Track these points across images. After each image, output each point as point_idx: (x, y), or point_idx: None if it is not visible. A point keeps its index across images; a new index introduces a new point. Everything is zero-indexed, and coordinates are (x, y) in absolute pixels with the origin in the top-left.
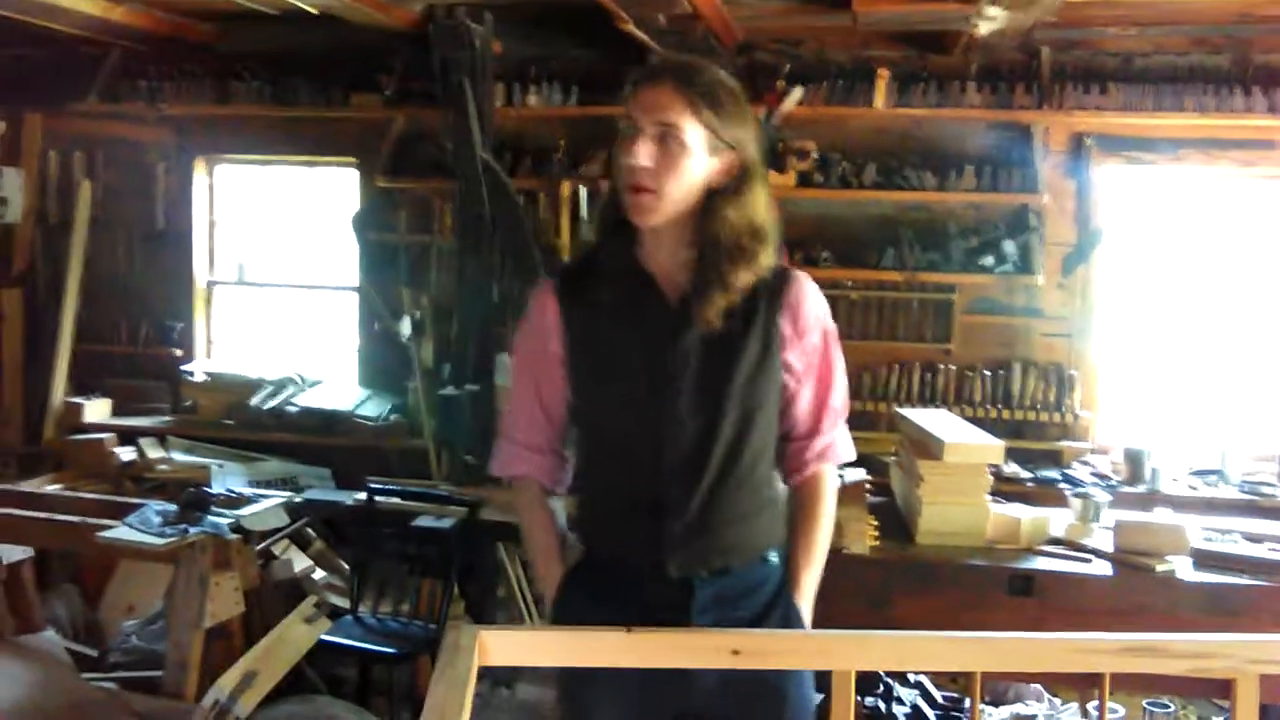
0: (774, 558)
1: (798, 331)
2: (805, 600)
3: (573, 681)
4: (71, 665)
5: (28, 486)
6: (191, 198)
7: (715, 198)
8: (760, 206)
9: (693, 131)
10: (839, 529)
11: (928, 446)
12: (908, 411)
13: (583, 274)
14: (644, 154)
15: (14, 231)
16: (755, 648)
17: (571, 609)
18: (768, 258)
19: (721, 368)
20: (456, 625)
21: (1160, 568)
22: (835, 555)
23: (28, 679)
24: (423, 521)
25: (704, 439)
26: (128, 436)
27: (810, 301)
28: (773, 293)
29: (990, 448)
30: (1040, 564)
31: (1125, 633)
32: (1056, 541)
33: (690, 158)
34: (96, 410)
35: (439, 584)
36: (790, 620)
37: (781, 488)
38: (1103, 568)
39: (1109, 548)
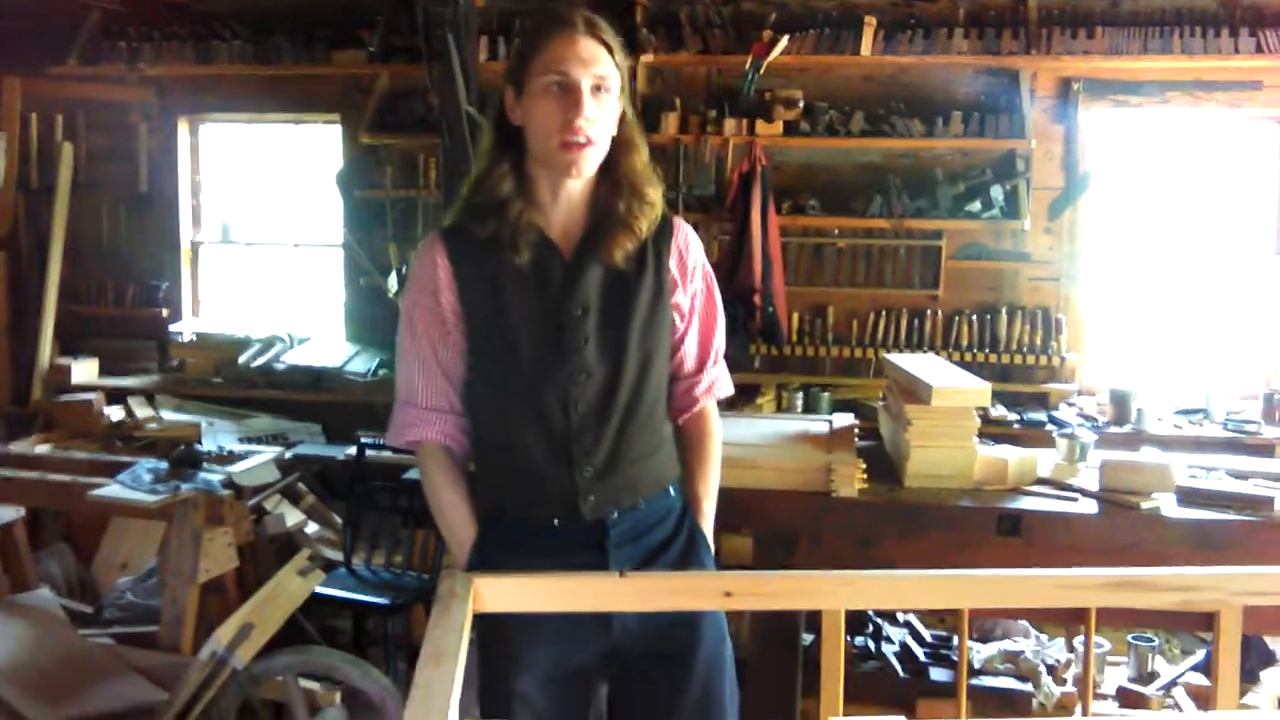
0: (673, 490)
1: (684, 275)
2: (708, 524)
3: (492, 630)
4: (68, 622)
5: (17, 447)
6: (175, 158)
7: (614, 146)
8: (645, 150)
9: (615, 80)
10: (829, 472)
11: (915, 391)
12: (894, 357)
13: (471, 231)
14: (591, 108)
15: None
16: (747, 589)
17: (490, 565)
18: (658, 197)
19: (621, 314)
20: (451, 573)
21: (1145, 505)
22: (824, 498)
23: (25, 636)
24: (414, 474)
25: (609, 386)
26: (116, 396)
27: (695, 245)
28: (659, 238)
29: (977, 391)
30: (1027, 504)
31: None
32: (1044, 482)
33: (613, 104)
34: (84, 370)
35: (431, 535)
36: (696, 542)
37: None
38: (1089, 506)
39: (1095, 487)
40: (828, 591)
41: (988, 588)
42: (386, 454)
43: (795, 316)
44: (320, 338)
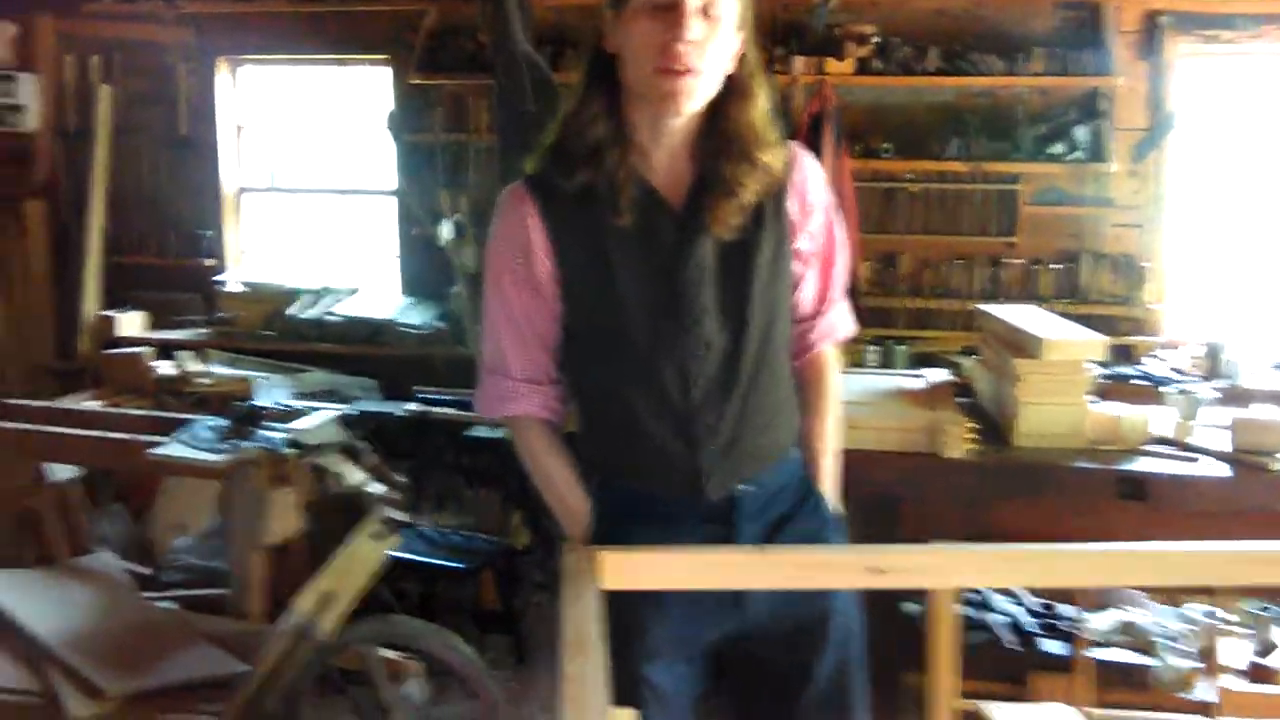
0: (794, 451)
1: (805, 213)
2: (829, 483)
3: (615, 609)
4: (134, 586)
5: (67, 403)
6: (215, 102)
7: (727, 90)
8: (766, 102)
9: (729, 6)
10: (934, 431)
11: (1022, 344)
12: (991, 308)
13: (564, 182)
14: (698, 29)
15: (33, 140)
16: (899, 564)
17: (610, 539)
18: (776, 159)
19: (740, 278)
20: (574, 547)
21: (1277, 466)
22: (928, 459)
23: (91, 602)
24: (476, 431)
25: (732, 357)
26: (164, 350)
27: (815, 179)
28: (777, 181)
29: (1091, 343)
30: (1149, 465)
31: (1245, 540)
32: (1162, 441)
33: (727, 35)
34: (131, 323)
35: (496, 494)
36: (821, 510)
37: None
38: (1216, 468)
39: (1218, 447)
40: (993, 568)
41: (1142, 563)
42: (449, 411)
43: (866, 265)
44: (371, 289)
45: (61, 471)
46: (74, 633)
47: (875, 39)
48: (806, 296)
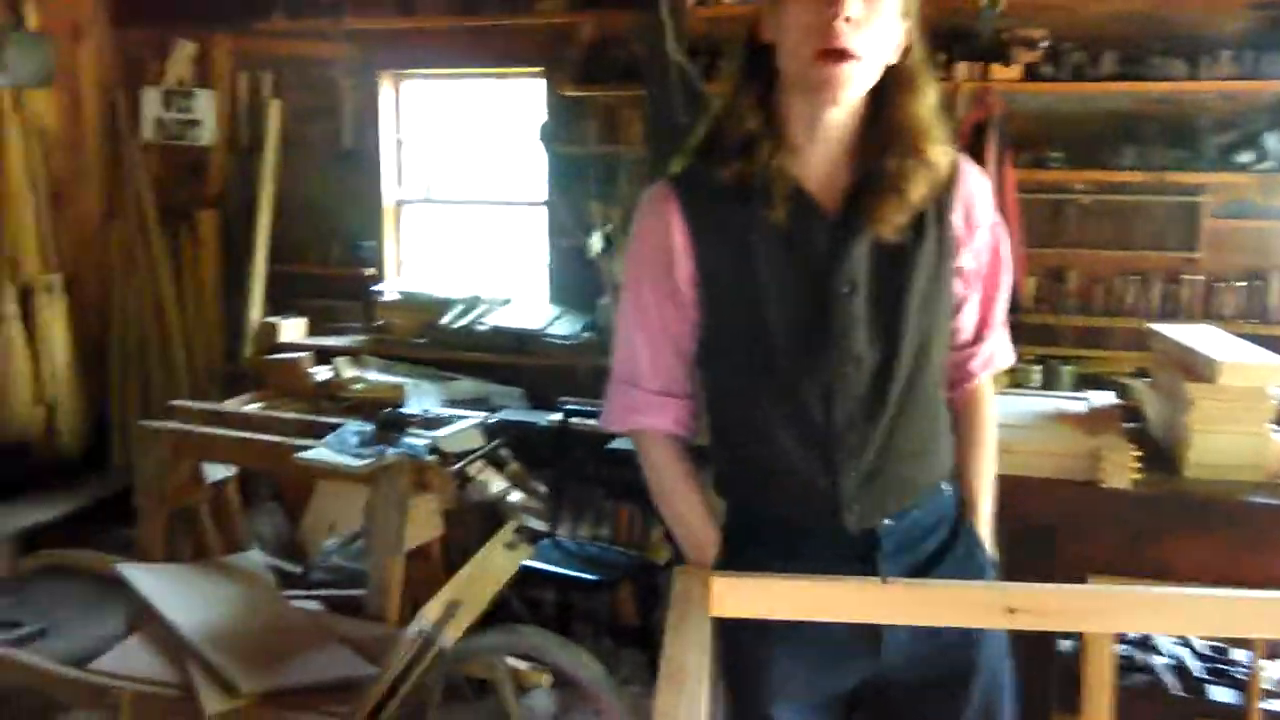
0: (946, 486)
1: (970, 229)
2: (986, 526)
3: (745, 643)
4: (276, 586)
5: (229, 405)
6: (378, 115)
7: (890, 81)
8: (933, 96)
9: None
10: (1096, 459)
11: (1195, 367)
12: (1163, 327)
13: (708, 175)
14: (857, 7)
15: (208, 154)
16: (1036, 605)
17: (739, 568)
18: (943, 158)
19: (895, 288)
20: (686, 572)
21: None
22: (1089, 488)
23: (233, 599)
24: (618, 444)
25: (881, 377)
26: (323, 355)
27: (983, 194)
28: (942, 187)
29: (1274, 368)
30: None
31: None
32: None
33: (889, 20)
34: (293, 329)
35: (636, 508)
36: (974, 552)
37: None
38: None
39: None
40: (1151, 613)
41: None
42: (590, 422)
43: (1031, 280)
44: (522, 299)
45: (219, 471)
46: (214, 629)
47: (1045, 43)
48: (966, 323)
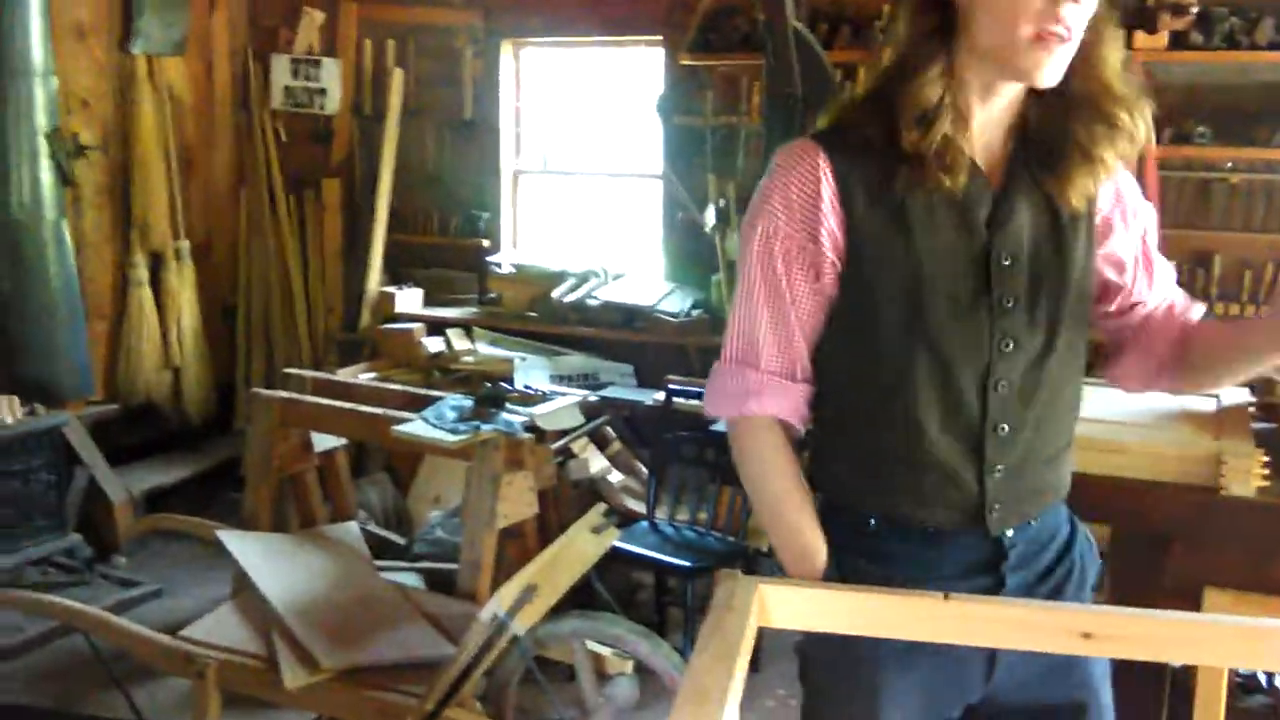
0: (1063, 502)
1: (1125, 217)
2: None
3: (852, 658)
4: (369, 559)
5: (343, 374)
6: (498, 83)
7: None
8: (1120, 48)
9: None
10: (1218, 463)
11: None
12: None
13: (863, 141)
14: None
15: (334, 122)
16: (1113, 630)
17: (850, 581)
18: (1140, 128)
19: (1057, 265)
20: (732, 576)
21: None
22: (1209, 495)
23: (325, 571)
24: (723, 426)
25: (1038, 361)
26: (436, 327)
27: (1131, 180)
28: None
29: None
30: None
31: None
32: None
33: None
34: (408, 300)
35: (739, 493)
36: (1086, 569)
37: None
38: None
39: None
40: (1225, 644)
41: None
42: (695, 401)
43: (1172, 265)
44: (636, 274)
45: (326, 441)
46: (302, 600)
47: (1195, 9)
48: (1157, 294)
